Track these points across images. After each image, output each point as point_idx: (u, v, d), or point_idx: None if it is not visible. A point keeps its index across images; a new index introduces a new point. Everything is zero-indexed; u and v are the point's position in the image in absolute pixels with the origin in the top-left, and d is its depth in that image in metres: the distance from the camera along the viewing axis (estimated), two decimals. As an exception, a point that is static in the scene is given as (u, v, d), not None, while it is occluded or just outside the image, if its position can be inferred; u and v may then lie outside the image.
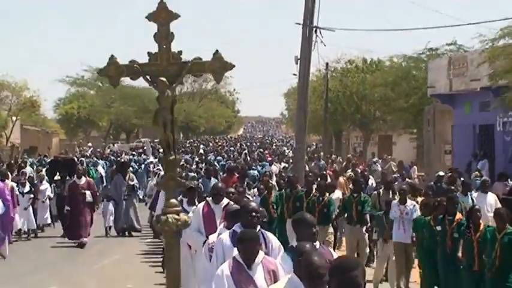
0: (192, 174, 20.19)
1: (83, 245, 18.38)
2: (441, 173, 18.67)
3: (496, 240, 10.13)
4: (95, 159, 34.50)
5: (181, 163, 20.95)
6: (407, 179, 19.66)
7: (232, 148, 52.31)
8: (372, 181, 20.23)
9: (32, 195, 19.73)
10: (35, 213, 19.97)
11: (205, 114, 75.43)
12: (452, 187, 15.22)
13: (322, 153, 37.41)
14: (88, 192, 18.88)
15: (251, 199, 11.97)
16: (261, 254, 6.54)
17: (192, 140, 69.13)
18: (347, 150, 45.85)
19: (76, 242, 18.52)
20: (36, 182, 21.03)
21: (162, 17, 6.59)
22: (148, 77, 6.78)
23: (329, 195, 14.83)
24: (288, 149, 50.96)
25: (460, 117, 27.30)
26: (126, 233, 20.59)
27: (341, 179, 19.83)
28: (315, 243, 6.49)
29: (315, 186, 15.06)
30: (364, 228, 13.92)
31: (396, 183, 16.93)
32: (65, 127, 66.16)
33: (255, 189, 16.66)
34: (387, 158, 29.83)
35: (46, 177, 21.54)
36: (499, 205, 13.48)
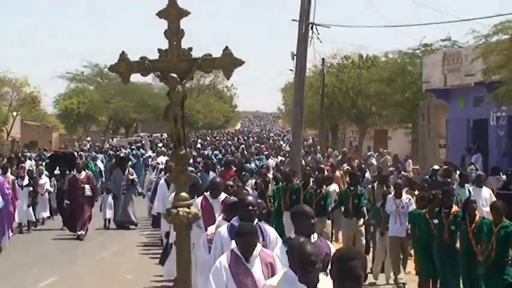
0: (190, 168, 20.36)
1: (81, 238, 18.54)
2: (436, 167, 18.73)
3: (492, 233, 10.18)
4: (94, 153, 34.64)
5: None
6: (402, 173, 19.85)
7: (229, 142, 52.34)
8: (368, 174, 20.38)
9: (31, 188, 19.89)
10: (34, 207, 20.13)
11: (203, 109, 75.31)
12: (449, 179, 15.34)
13: (318, 147, 37.63)
14: (87, 187, 19.03)
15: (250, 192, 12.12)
16: (259, 246, 6.58)
17: (189, 135, 69.11)
18: (343, 145, 45.98)
19: (75, 235, 18.65)
20: (35, 175, 21.22)
21: (173, 14, 6.68)
22: (159, 73, 6.86)
23: (326, 187, 15.03)
24: (284, 143, 51.12)
25: (454, 111, 27.46)
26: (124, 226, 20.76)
27: (337, 173, 19.98)
28: (313, 235, 6.61)
29: (312, 179, 15.20)
30: (361, 221, 13.92)
31: (392, 176, 17.08)
32: (64, 122, 66.18)
33: (252, 181, 16.85)
34: (383, 152, 29.86)
35: (45, 172, 21.74)
36: (494, 199, 13.43)
